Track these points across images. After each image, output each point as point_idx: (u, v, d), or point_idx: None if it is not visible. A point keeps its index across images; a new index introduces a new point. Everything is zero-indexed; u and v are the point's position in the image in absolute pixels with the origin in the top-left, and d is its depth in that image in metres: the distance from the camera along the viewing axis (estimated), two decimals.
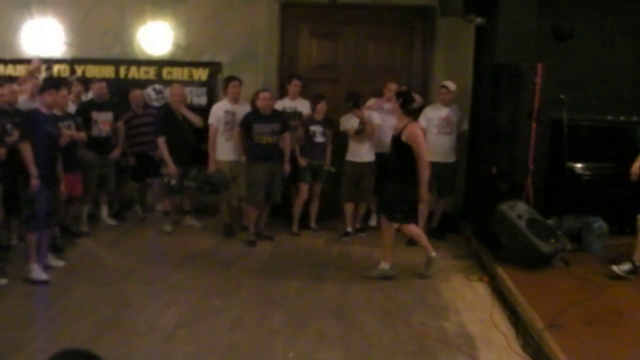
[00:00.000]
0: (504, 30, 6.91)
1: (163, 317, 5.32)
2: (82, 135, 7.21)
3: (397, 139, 6.37)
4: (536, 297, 5.45)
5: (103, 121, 7.80)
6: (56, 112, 6.71)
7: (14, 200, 6.24)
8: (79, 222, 7.71)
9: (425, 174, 6.23)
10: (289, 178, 7.89)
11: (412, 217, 6.59)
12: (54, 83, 6.69)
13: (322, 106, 7.86)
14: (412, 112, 6.50)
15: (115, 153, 7.99)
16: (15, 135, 6.02)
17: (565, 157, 7.05)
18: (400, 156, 6.38)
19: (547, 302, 5.33)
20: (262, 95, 7.53)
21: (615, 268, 5.99)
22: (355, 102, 7.36)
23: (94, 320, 5.20)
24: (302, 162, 7.85)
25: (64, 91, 6.98)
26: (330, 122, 8.01)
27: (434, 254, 6.59)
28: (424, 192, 6.29)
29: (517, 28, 6.87)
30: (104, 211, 8.32)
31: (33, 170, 5.91)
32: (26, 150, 5.91)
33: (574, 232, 7.01)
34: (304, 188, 8.01)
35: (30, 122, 6.09)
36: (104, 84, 8.12)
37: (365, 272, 6.60)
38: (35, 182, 5.91)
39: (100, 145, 7.78)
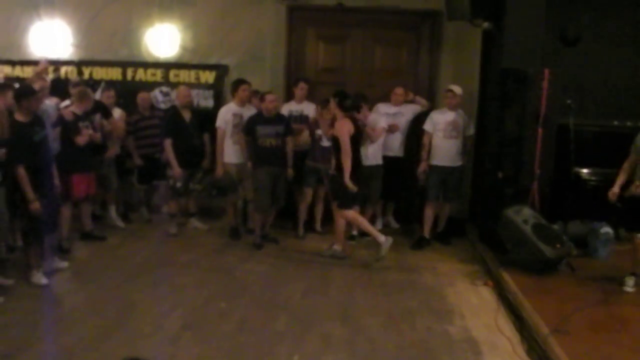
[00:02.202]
0: (511, 34, 6.89)
1: (168, 319, 5.33)
2: (97, 135, 7.26)
3: (333, 135, 7.02)
4: (541, 302, 5.44)
5: (95, 125, 7.51)
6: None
7: (14, 207, 6.20)
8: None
9: (347, 162, 6.80)
10: (293, 181, 7.89)
11: (347, 204, 7.10)
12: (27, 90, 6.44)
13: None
14: (347, 109, 6.99)
15: (111, 152, 7.97)
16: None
17: (572, 162, 7.04)
18: (337, 149, 6.95)
19: (552, 308, 5.32)
20: (268, 97, 7.52)
21: (627, 289, 5.90)
22: (355, 106, 7.34)
23: (99, 321, 5.21)
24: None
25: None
26: None
27: (382, 238, 6.95)
28: (346, 179, 6.83)
29: (524, 32, 6.85)
30: (112, 211, 8.35)
31: (30, 195, 5.79)
32: (21, 174, 5.73)
33: (580, 238, 6.99)
34: (307, 192, 8.02)
35: (20, 136, 5.80)
36: (112, 92, 8.15)
37: (320, 252, 7.36)
38: (34, 206, 5.81)
39: (92, 148, 7.50)
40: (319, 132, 7.82)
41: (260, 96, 7.70)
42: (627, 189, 5.93)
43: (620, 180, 6.00)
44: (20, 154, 5.74)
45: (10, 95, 6.26)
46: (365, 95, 7.94)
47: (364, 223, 7.24)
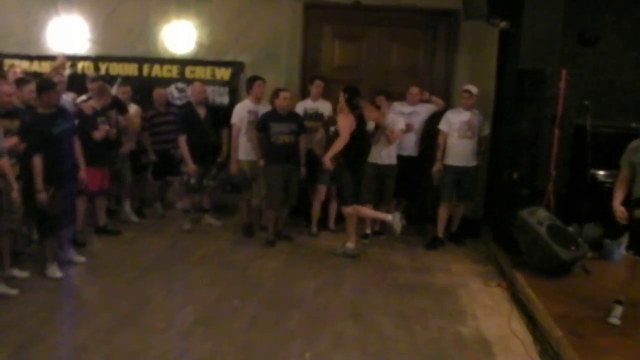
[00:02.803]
0: (529, 34, 6.84)
1: (181, 314, 5.35)
2: (113, 131, 7.30)
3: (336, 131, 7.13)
4: (555, 304, 5.41)
5: (111, 120, 7.56)
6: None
7: (28, 200, 6.26)
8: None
9: (337, 146, 6.99)
10: (307, 179, 7.89)
11: (346, 201, 7.22)
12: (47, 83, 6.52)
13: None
14: (355, 106, 7.03)
15: (126, 147, 8.00)
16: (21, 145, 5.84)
17: (588, 164, 6.99)
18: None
19: (566, 310, 5.29)
20: (282, 94, 7.51)
21: (612, 320, 5.13)
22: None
23: (112, 315, 5.24)
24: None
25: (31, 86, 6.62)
26: None
27: (389, 217, 7.19)
28: (327, 156, 7.09)
29: (542, 33, 6.80)
30: (127, 206, 8.40)
31: (39, 185, 5.85)
32: (35, 163, 5.83)
33: (595, 240, 6.94)
34: (321, 189, 8.02)
35: (38, 128, 5.93)
36: (128, 89, 8.18)
37: (333, 251, 7.34)
38: (41, 197, 5.87)
39: (107, 143, 7.50)
40: (333, 129, 7.81)
41: (274, 93, 7.70)
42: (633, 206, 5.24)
43: (620, 197, 5.31)
44: (38, 145, 5.83)
45: (28, 89, 6.32)
46: (388, 91, 7.95)
47: (366, 211, 7.36)
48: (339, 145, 6.97)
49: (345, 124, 6.96)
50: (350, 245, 7.26)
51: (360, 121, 7.02)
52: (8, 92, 5.73)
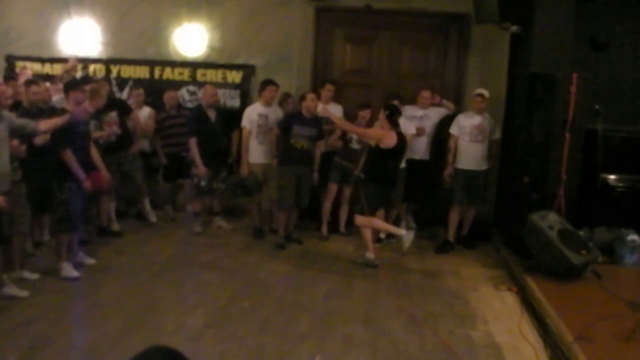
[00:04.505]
0: (540, 39, 6.84)
1: (191, 317, 5.36)
2: (104, 134, 7.38)
3: (377, 147, 6.96)
4: (566, 308, 5.37)
5: (108, 122, 7.57)
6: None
7: (46, 198, 6.32)
8: (110, 221, 7.80)
9: (349, 127, 7.36)
10: (318, 182, 7.91)
11: (361, 210, 7.14)
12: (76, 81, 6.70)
13: (365, 113, 7.84)
14: (395, 123, 6.97)
15: (135, 148, 8.02)
16: (41, 137, 5.99)
17: (599, 168, 6.96)
18: (368, 156, 7.16)
19: (576, 315, 5.25)
20: (309, 95, 7.57)
21: None
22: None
23: (122, 317, 5.26)
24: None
25: (43, 86, 6.85)
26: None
27: (402, 232, 7.19)
28: (339, 120, 7.49)
29: (553, 37, 6.80)
30: (147, 204, 8.41)
31: (81, 174, 6.07)
32: (68, 156, 5.99)
33: (606, 245, 6.90)
34: (332, 187, 8.05)
35: (68, 125, 5.99)
36: (141, 91, 8.23)
37: (353, 259, 7.25)
38: (87, 184, 6.10)
39: (109, 145, 7.60)
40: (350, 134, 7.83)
41: (302, 95, 7.73)
42: None
43: None
44: (67, 140, 6.00)
45: (32, 90, 6.40)
46: (400, 94, 8.00)
47: (380, 224, 7.28)
48: (349, 127, 7.29)
49: (380, 133, 6.95)
50: (370, 255, 7.13)
51: (401, 140, 7.01)
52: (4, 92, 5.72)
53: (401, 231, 7.17)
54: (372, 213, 7.08)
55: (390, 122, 6.93)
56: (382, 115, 7.00)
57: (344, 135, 7.88)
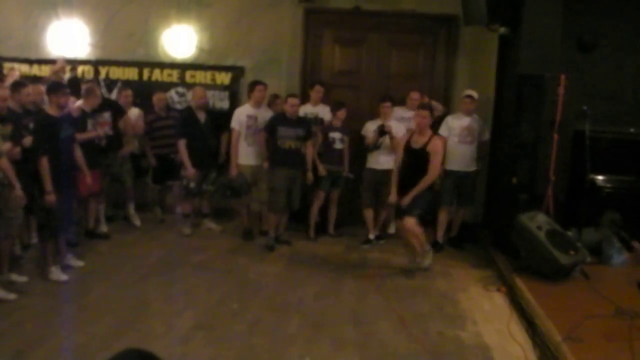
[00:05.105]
0: (528, 40, 6.88)
1: (180, 319, 5.35)
2: (99, 134, 7.40)
3: (423, 150, 6.67)
4: (554, 309, 5.41)
5: (101, 123, 7.58)
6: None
7: (32, 201, 6.27)
8: (99, 223, 7.77)
9: (431, 178, 6.74)
10: (312, 182, 7.91)
11: (413, 213, 6.79)
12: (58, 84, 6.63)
13: (341, 113, 7.87)
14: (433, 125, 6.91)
15: (125, 150, 8.01)
16: (28, 139, 5.94)
17: (587, 168, 7.00)
18: (420, 163, 6.72)
19: (565, 315, 5.28)
20: (290, 100, 7.56)
21: None
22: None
23: (111, 320, 5.24)
24: (323, 171, 7.84)
25: (36, 88, 6.85)
26: (349, 129, 8.01)
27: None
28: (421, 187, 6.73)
29: (541, 38, 6.84)
30: (131, 208, 8.39)
31: (48, 186, 5.90)
32: (43, 165, 5.88)
33: (594, 245, 6.94)
34: (320, 195, 8.03)
35: (49, 130, 6.02)
36: (130, 92, 8.22)
37: (406, 267, 7.03)
38: (50, 198, 5.92)
39: (100, 146, 7.61)
40: (332, 135, 7.83)
41: (286, 98, 7.74)
42: None
43: None
44: (45, 146, 5.90)
45: (25, 92, 6.35)
46: (392, 95, 7.98)
47: (420, 235, 6.90)
48: (432, 177, 6.75)
49: (442, 153, 6.94)
50: (427, 261, 7.04)
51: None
52: (3, 96, 5.70)
53: (427, 246, 7.10)
54: (422, 218, 6.89)
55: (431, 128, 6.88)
56: (427, 120, 6.75)
57: (326, 136, 7.90)
